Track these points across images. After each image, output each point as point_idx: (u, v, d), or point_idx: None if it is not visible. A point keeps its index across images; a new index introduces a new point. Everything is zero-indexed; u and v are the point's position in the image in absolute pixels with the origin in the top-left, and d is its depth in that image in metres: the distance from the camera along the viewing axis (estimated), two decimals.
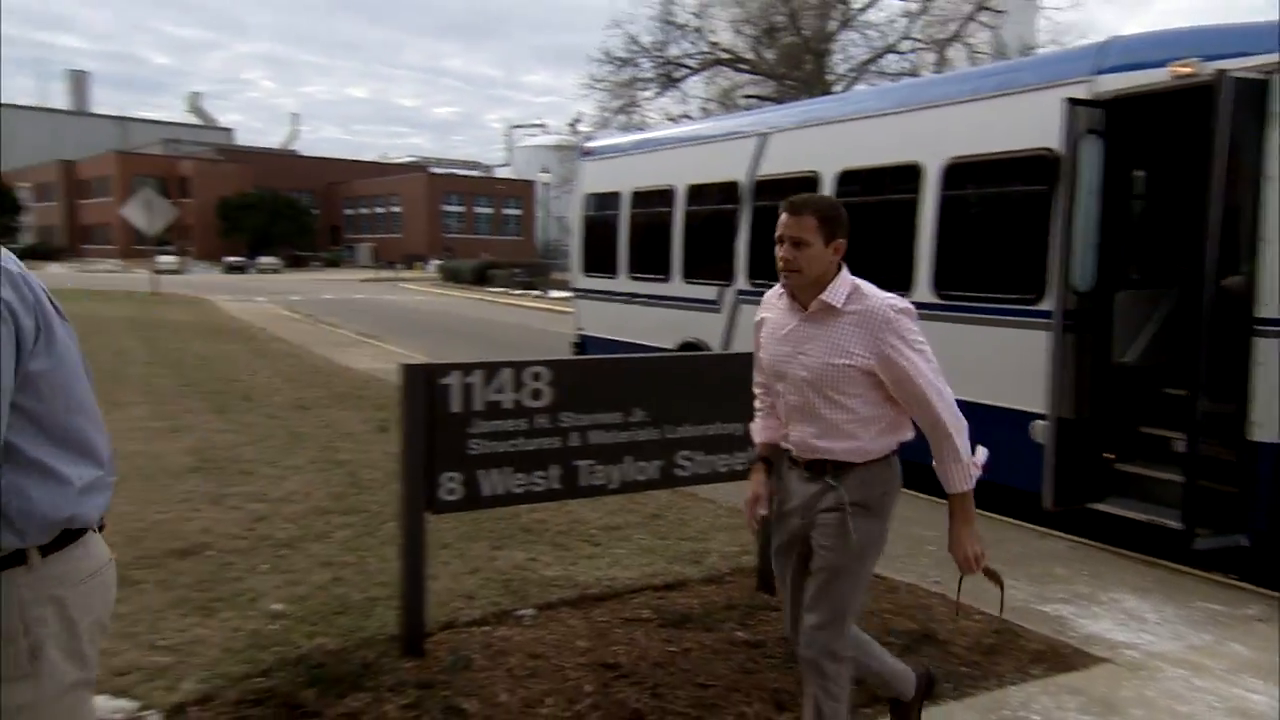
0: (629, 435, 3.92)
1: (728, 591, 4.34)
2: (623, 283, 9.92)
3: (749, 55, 27.21)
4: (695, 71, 27.24)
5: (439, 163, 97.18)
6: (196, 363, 12.79)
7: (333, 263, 71.73)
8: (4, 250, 1.61)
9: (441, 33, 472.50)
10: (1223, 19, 10.88)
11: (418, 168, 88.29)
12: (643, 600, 4.22)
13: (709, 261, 8.46)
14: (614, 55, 26.09)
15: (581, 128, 35.61)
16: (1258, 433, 4.72)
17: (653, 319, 9.23)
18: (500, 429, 3.69)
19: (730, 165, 8.37)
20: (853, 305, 2.54)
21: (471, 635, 3.80)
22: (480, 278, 42.67)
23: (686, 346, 8.68)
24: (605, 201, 10.38)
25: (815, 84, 24.97)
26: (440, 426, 3.60)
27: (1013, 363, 5.79)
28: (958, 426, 2.52)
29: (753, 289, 7.90)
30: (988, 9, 25.00)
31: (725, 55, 27.06)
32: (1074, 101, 5.29)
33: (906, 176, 6.59)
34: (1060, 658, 3.75)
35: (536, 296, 33.98)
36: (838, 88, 25.28)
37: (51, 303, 1.68)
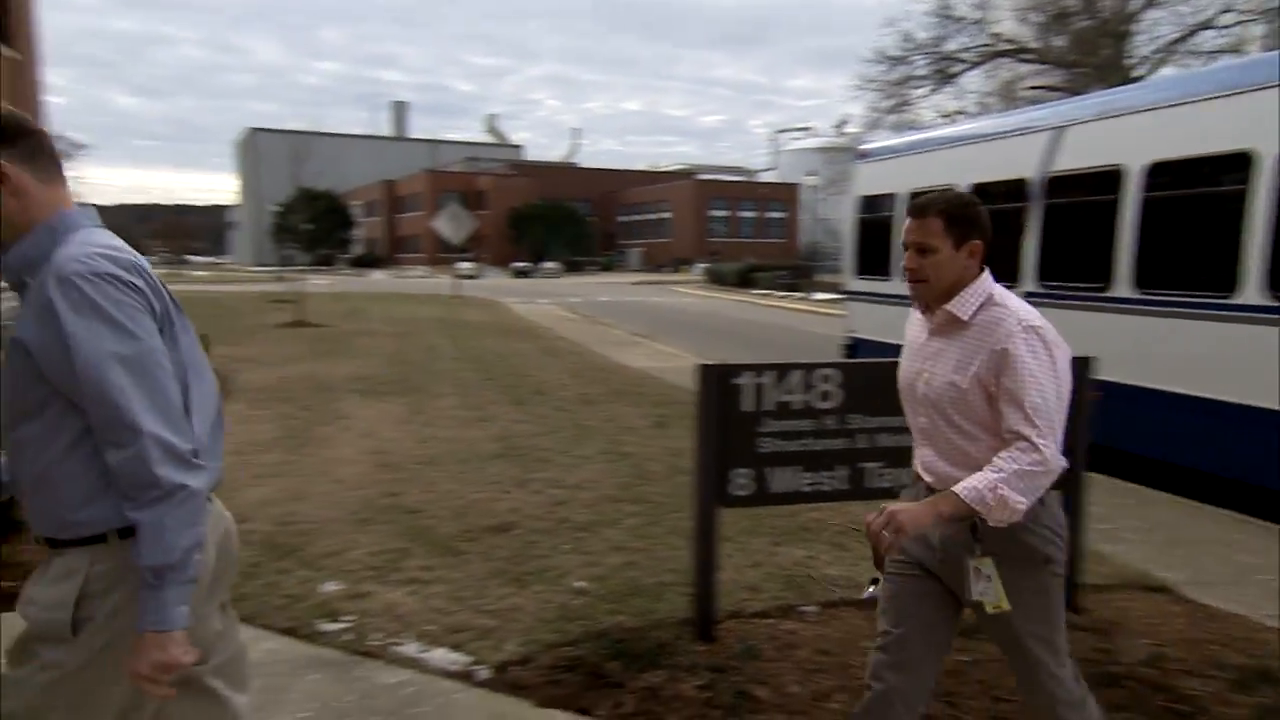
0: None
1: None
2: (897, 285, 9.63)
3: (1034, 45, 25.36)
4: (973, 66, 25.82)
5: (705, 169, 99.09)
6: (494, 359, 13.97)
7: (607, 267, 75.47)
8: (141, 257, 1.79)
9: (713, 44, 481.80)
10: None
11: (685, 175, 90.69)
12: None
13: (993, 263, 8.00)
14: (887, 54, 25.36)
15: (849, 129, 34.92)
16: None
17: None
18: (790, 429, 3.75)
19: (1018, 162, 7.88)
20: (982, 317, 2.22)
21: (757, 626, 3.88)
22: (744, 280, 43.06)
23: None
24: (880, 203, 10.15)
25: (1112, 70, 22.77)
26: (733, 425, 3.71)
27: None
28: (1034, 455, 2.05)
29: (1044, 291, 7.39)
30: None
31: (1007, 46, 25.42)
32: None
33: (1234, 166, 5.88)
34: None
35: (799, 299, 33.76)
36: (1138, 73, 22.90)
37: (176, 307, 1.82)
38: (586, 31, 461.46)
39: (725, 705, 3.21)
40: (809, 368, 3.77)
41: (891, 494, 3.90)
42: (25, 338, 1.63)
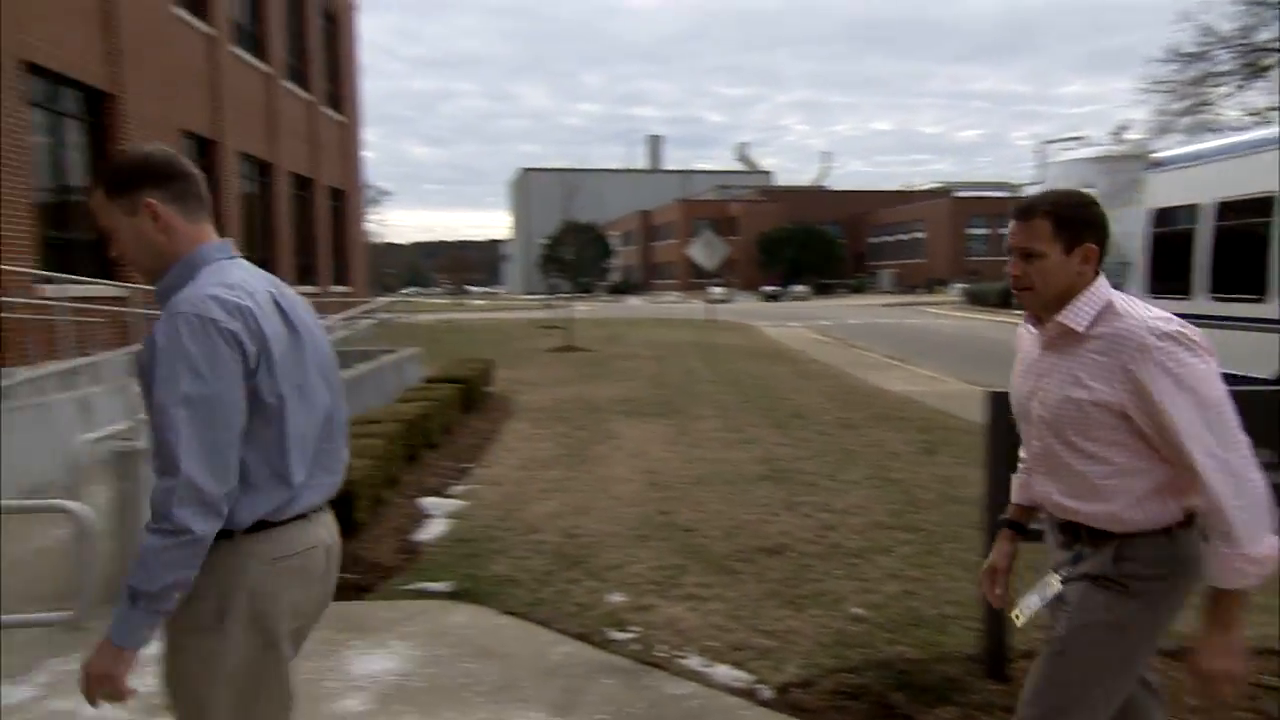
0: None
1: None
2: (1200, 304, 8.63)
3: None
4: None
5: (962, 186, 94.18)
6: (751, 382, 14.07)
7: (857, 289, 73.71)
8: (252, 295, 1.82)
9: (968, 56, 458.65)
10: None
11: (941, 193, 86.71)
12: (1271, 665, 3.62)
13: None
14: (1182, 51, 22.90)
15: (1130, 136, 31.81)
16: None
17: (1245, 344, 7.87)
18: None
19: None
20: (1101, 328, 1.95)
21: None
22: (1005, 300, 40.34)
23: None
24: (1177, 216, 9.16)
25: None
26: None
27: None
28: (1237, 499, 1.81)
29: None
30: None
31: None
32: None
33: None
34: None
35: None
36: None
37: (293, 336, 1.88)
38: (835, 55, 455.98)
39: None
40: None
41: None
42: (139, 354, 1.80)
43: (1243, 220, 8.13)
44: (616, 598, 4.54)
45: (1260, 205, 7.84)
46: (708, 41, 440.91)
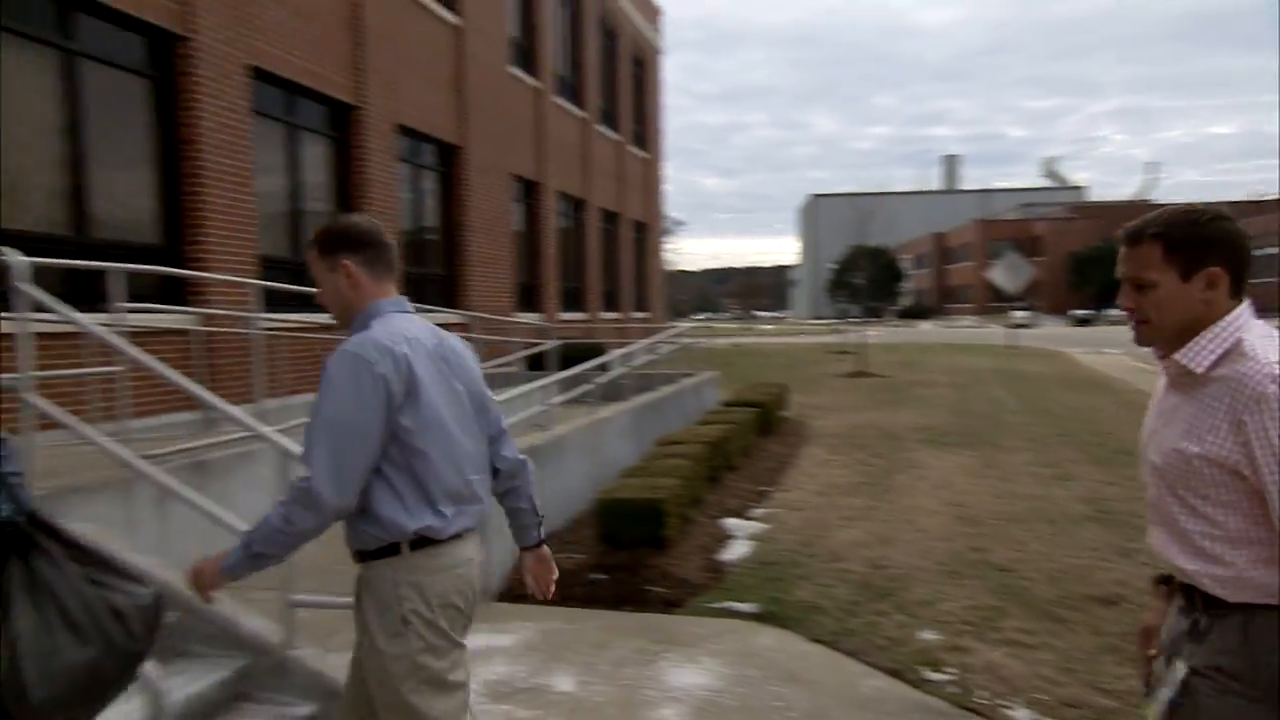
0: None
1: None
2: None
3: None
4: None
5: None
6: (1065, 413, 12.84)
7: None
8: (396, 339, 2.11)
9: None
10: None
11: None
12: None
13: None
14: None
15: None
16: None
17: None
18: None
19: None
20: (1223, 369, 1.64)
21: None
22: None
23: None
24: None
25: None
26: None
27: None
28: None
29: None
30: None
31: None
32: None
33: None
34: None
35: None
36: None
37: (446, 373, 2.19)
38: (1161, 57, 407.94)
39: None
40: None
41: None
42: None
43: None
44: (928, 635, 4.30)
45: None
46: (1008, 54, 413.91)
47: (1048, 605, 4.68)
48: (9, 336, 3.89)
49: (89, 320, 3.93)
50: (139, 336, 5.11)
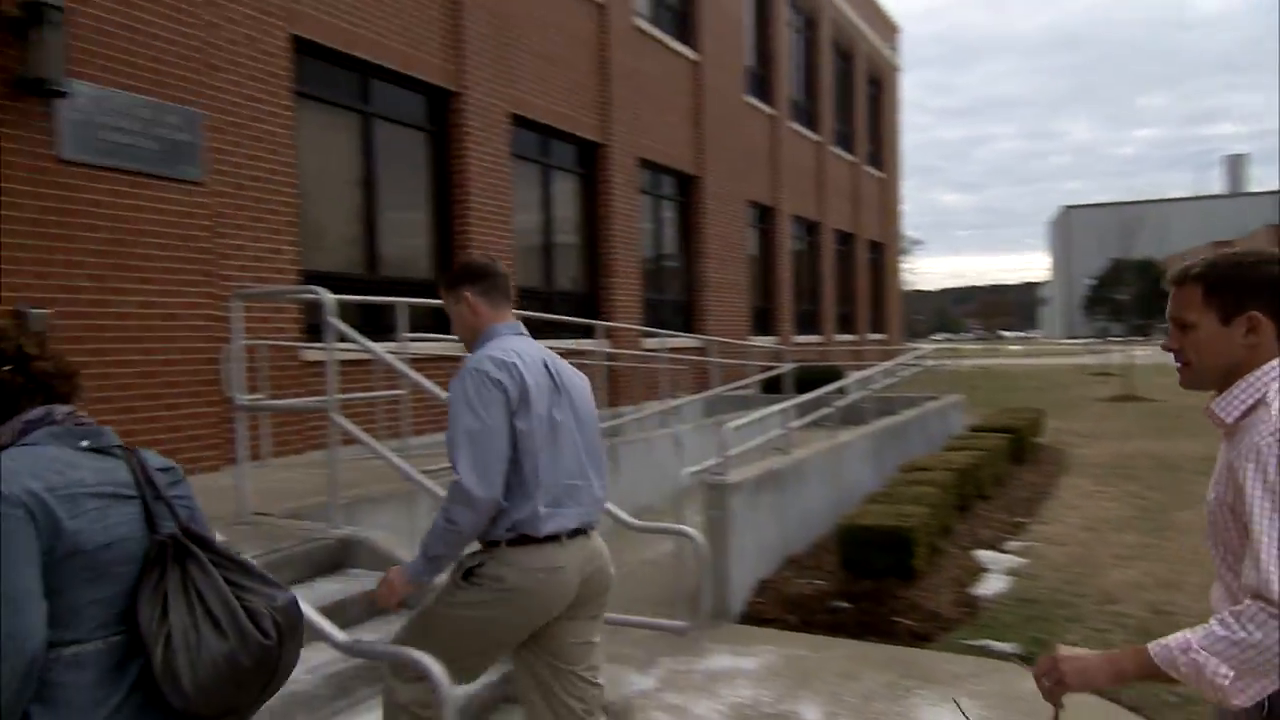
0: None
1: None
2: None
3: None
4: None
5: None
6: None
7: None
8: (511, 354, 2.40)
9: None
10: None
11: None
12: None
13: None
14: None
15: None
16: None
17: None
18: None
19: None
20: (1247, 419, 1.56)
21: None
22: None
23: None
24: None
25: None
26: None
27: None
28: (1256, 622, 1.39)
29: None
30: None
31: None
32: None
33: None
34: None
35: None
36: None
37: (555, 389, 2.46)
38: None
39: None
40: None
41: None
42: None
43: None
44: None
45: None
46: None
47: None
48: (318, 364, 4.41)
49: (380, 349, 4.36)
50: (417, 362, 5.62)
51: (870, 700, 3.87)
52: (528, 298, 9.26)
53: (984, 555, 6.04)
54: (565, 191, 10.55)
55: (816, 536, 6.32)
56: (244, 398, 4.56)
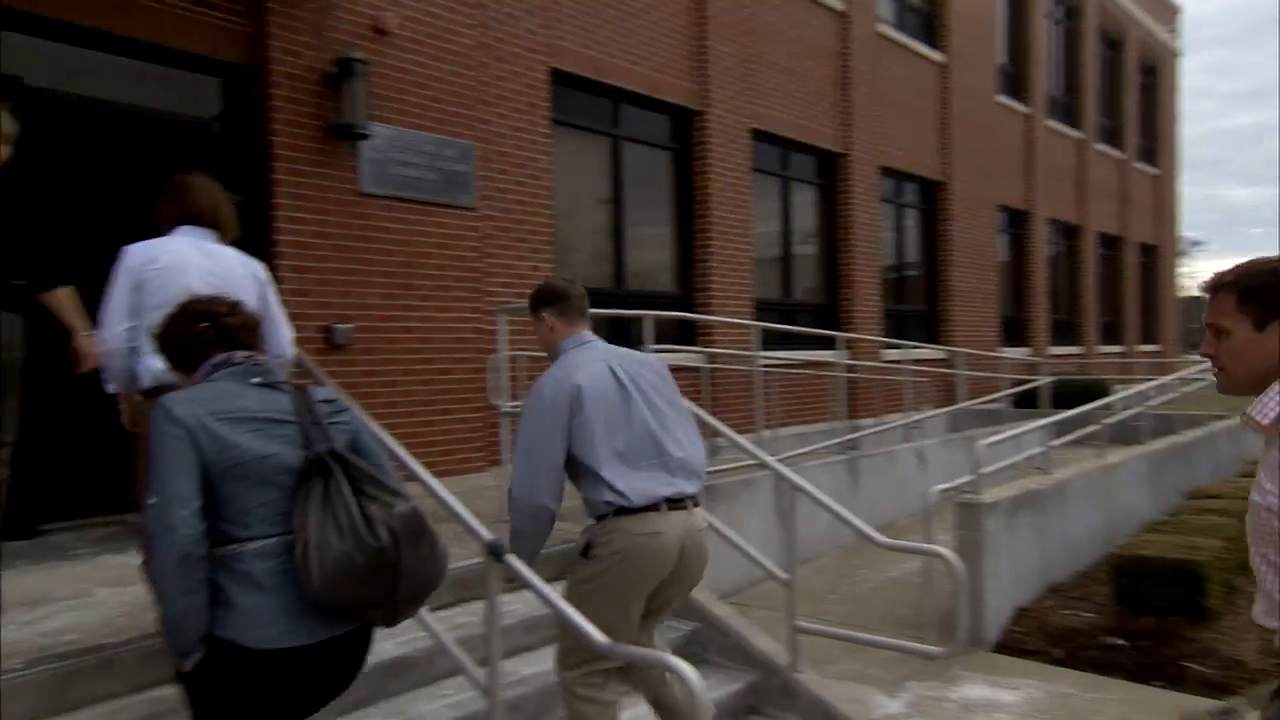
0: None
1: None
2: None
3: None
4: None
5: None
6: None
7: None
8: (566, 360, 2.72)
9: None
10: None
11: None
12: None
13: None
14: None
15: None
16: None
17: None
18: None
19: None
20: None
21: None
22: None
23: None
24: None
25: None
26: None
27: None
28: None
29: None
30: None
31: None
32: None
33: None
34: None
35: None
36: None
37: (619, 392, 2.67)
38: None
39: None
40: None
41: None
42: None
43: None
44: None
45: None
46: None
47: None
48: None
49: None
50: None
51: None
52: (766, 309, 9.20)
53: None
54: (805, 203, 10.40)
55: (1082, 564, 5.73)
56: (507, 404, 4.87)
